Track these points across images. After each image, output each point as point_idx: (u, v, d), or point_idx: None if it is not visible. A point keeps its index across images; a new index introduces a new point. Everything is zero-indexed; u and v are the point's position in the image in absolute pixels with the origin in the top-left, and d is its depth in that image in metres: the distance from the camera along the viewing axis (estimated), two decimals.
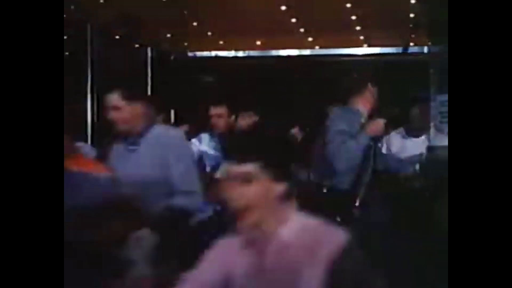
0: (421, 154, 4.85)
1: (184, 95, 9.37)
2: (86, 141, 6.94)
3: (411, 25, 8.55)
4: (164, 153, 3.32)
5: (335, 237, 1.99)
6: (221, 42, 10.21)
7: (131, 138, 3.37)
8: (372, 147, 4.22)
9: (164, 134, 3.46)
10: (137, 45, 9.42)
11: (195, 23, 8.65)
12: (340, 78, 5.23)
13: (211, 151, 4.62)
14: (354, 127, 4.16)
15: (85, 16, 7.44)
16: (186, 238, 3.23)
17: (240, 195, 1.99)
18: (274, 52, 10.57)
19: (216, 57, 10.66)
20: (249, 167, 1.99)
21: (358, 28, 9.05)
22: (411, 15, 8.11)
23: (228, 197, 2.01)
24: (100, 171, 3.13)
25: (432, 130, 5.50)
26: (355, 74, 4.79)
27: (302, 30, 9.17)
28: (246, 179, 1.98)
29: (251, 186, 1.99)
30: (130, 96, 3.43)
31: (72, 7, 6.87)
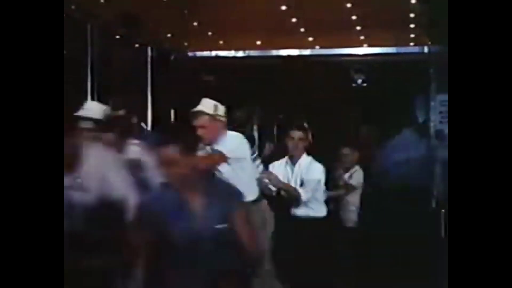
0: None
1: (184, 95, 9.37)
2: None
3: (411, 25, 8.56)
4: None
5: None
6: (221, 42, 10.20)
7: None
8: None
9: None
10: (137, 45, 9.41)
11: (195, 23, 8.65)
12: None
13: None
14: None
15: (85, 16, 7.43)
16: None
17: None
18: (275, 52, 10.56)
19: (216, 56, 10.66)
20: None
21: (358, 28, 9.04)
22: (411, 15, 8.11)
23: None
24: None
25: None
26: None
27: (302, 30, 9.16)
28: None
29: None
30: None
31: (72, 7, 6.87)
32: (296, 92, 10.23)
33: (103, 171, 3.31)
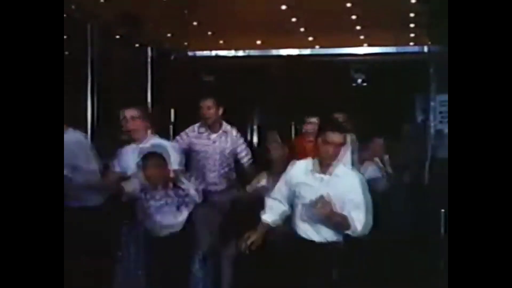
0: None
1: (184, 95, 9.39)
2: None
3: (411, 25, 8.57)
4: None
5: None
6: (221, 42, 10.21)
7: None
8: None
9: None
10: (137, 45, 9.42)
11: (195, 23, 8.66)
12: None
13: None
14: None
15: (85, 16, 7.44)
16: None
17: None
18: (275, 52, 10.58)
19: (216, 56, 10.67)
20: None
21: (358, 27, 9.05)
22: (411, 15, 8.12)
23: None
24: None
25: None
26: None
27: (302, 29, 9.18)
28: None
29: None
30: None
31: (72, 7, 6.88)
32: (296, 91, 10.24)
33: None
